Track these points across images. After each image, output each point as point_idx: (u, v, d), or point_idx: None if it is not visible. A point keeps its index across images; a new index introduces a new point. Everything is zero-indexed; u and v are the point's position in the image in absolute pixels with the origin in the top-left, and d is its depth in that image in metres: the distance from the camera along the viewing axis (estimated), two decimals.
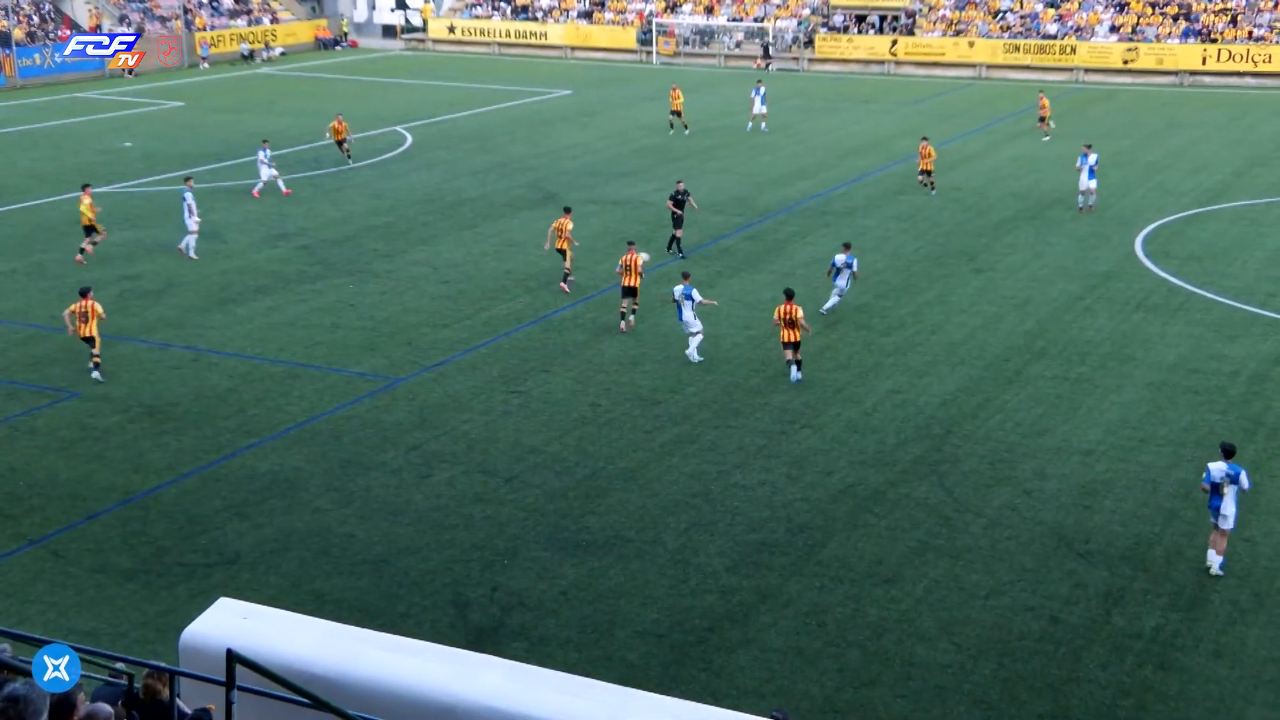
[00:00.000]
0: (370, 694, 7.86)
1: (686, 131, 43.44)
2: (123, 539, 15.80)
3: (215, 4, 65.45)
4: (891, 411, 19.90)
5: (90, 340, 21.08)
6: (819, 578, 14.94)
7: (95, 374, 21.12)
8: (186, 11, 62.57)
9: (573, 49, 66.29)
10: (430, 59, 66.12)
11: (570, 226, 26.53)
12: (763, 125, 44.74)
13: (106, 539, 15.78)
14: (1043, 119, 43.66)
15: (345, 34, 70.90)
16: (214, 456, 18.23)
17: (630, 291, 23.73)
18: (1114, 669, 13.11)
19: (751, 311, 24.88)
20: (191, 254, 28.47)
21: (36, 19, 56.69)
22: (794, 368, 21.19)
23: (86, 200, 27.64)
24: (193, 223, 28.35)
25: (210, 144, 41.64)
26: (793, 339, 21.13)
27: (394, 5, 74.10)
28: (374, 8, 74.86)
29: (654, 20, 65.15)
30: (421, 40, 70.22)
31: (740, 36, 64.61)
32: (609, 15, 67.17)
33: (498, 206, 33.80)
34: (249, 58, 63.44)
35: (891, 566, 15.16)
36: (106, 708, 6.93)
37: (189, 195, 28.48)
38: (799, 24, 63.79)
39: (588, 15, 67.45)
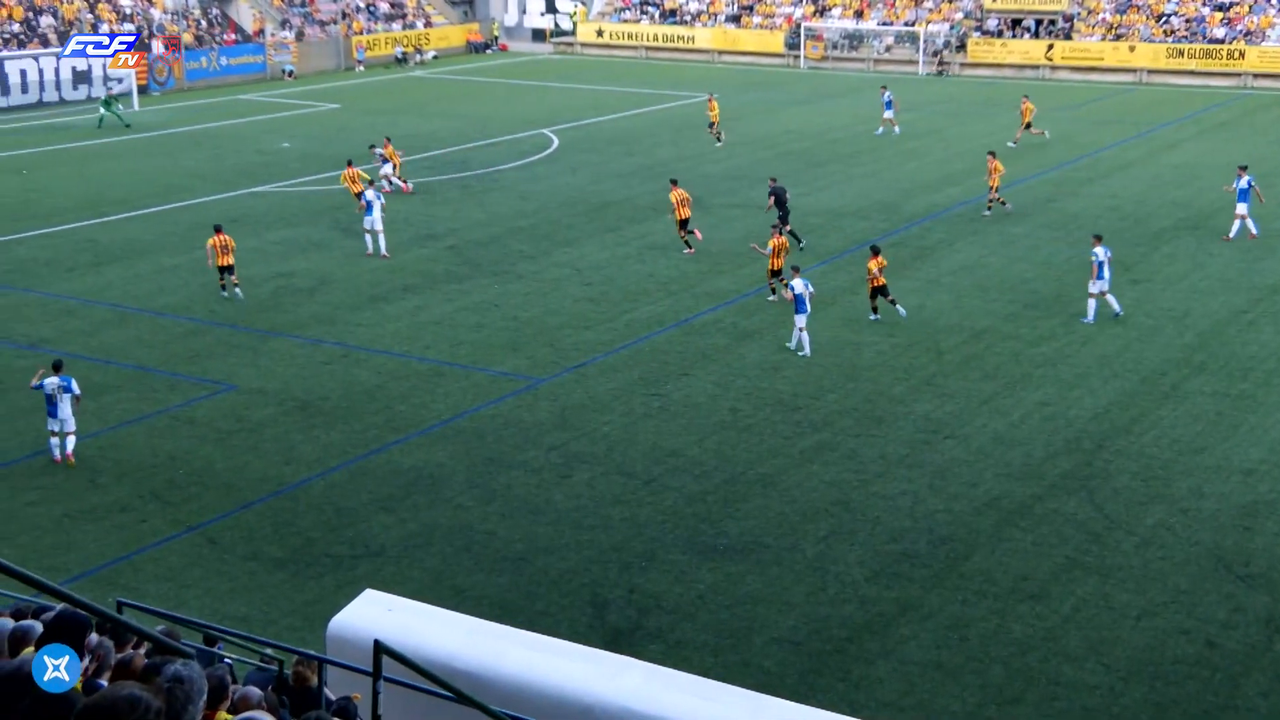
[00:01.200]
0: (511, 691, 7.95)
1: (718, 144, 42.42)
2: (274, 529, 16.31)
3: (372, 9, 67.19)
4: (1040, 424, 19.39)
5: (230, 268, 25.06)
6: (961, 591, 14.63)
7: (238, 292, 25.19)
8: (345, 16, 64.36)
9: (719, 53, 66.28)
10: (578, 62, 66.83)
11: (686, 195, 28.71)
12: (895, 129, 44.06)
13: (259, 528, 16.31)
14: (1027, 125, 41.83)
15: (496, 38, 72.10)
16: (361, 451, 18.69)
17: (777, 274, 25.27)
18: (1275, 698, 12.54)
19: (895, 319, 24.51)
20: (384, 251, 28.87)
21: (204, 23, 58.97)
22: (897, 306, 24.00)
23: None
24: (374, 221, 28.78)
25: (364, 146, 42.70)
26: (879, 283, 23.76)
27: (544, 9, 75.08)
28: (524, 12, 75.96)
29: (802, 24, 64.74)
30: (570, 44, 71.00)
31: (890, 41, 63.76)
32: (757, 20, 66.97)
33: (641, 209, 33.96)
34: (402, 61, 64.97)
35: (1038, 582, 14.76)
36: (257, 691, 7.15)
37: (369, 193, 29.06)
38: (951, 28, 62.68)
39: (735, 19, 67.37)
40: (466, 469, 18.06)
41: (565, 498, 17.13)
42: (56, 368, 18.14)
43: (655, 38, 68.02)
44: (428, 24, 68.95)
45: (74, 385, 17.92)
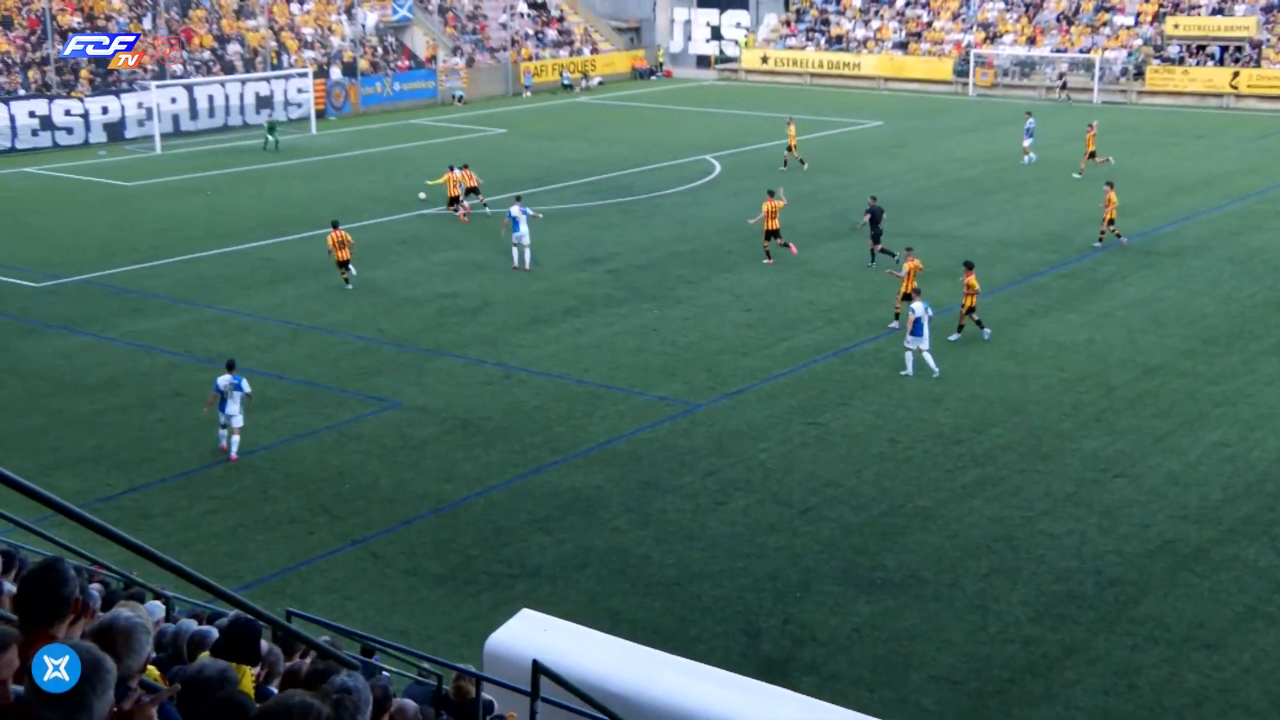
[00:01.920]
0: (666, 717, 7.94)
1: (805, 166, 42.48)
2: (434, 545, 16.66)
3: (540, 36, 68.56)
4: (1218, 465, 18.57)
5: (346, 263, 28.30)
6: (1131, 636, 14.07)
7: (349, 285, 28.10)
8: (514, 43, 65.81)
9: (886, 80, 65.63)
10: (742, 89, 66.96)
11: (781, 205, 30.33)
12: (1029, 158, 42.90)
13: (419, 544, 16.68)
14: (1091, 154, 40.28)
15: (660, 64, 72.77)
16: (520, 471, 18.97)
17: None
18: None
19: (1063, 353, 23.83)
20: (528, 265, 30.12)
21: (380, 50, 61.00)
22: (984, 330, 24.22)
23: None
24: (522, 236, 29.97)
25: (529, 169, 43.55)
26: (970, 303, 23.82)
27: (709, 36, 75.52)
28: (689, 39, 76.52)
29: (972, 51, 63.65)
30: (734, 70, 71.19)
31: (1064, 68, 62.19)
32: (924, 46, 66.09)
33: (802, 236, 33.73)
34: (569, 87, 66.05)
35: (1214, 631, 14.10)
36: (413, 704, 7.29)
37: (514, 211, 30.12)
38: (1129, 55, 60.80)
39: (903, 46, 66.62)
40: (623, 492, 18.16)
41: (720, 524, 17.09)
42: (230, 366, 19.54)
43: (820, 64, 67.72)
44: (594, 50, 70.00)
45: (244, 384, 19.22)
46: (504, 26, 66.25)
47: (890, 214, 36.16)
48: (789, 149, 43.49)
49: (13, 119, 46.36)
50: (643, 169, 43.69)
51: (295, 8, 59.74)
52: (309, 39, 58.57)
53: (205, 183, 41.80)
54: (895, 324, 25.37)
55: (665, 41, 75.04)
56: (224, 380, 19.22)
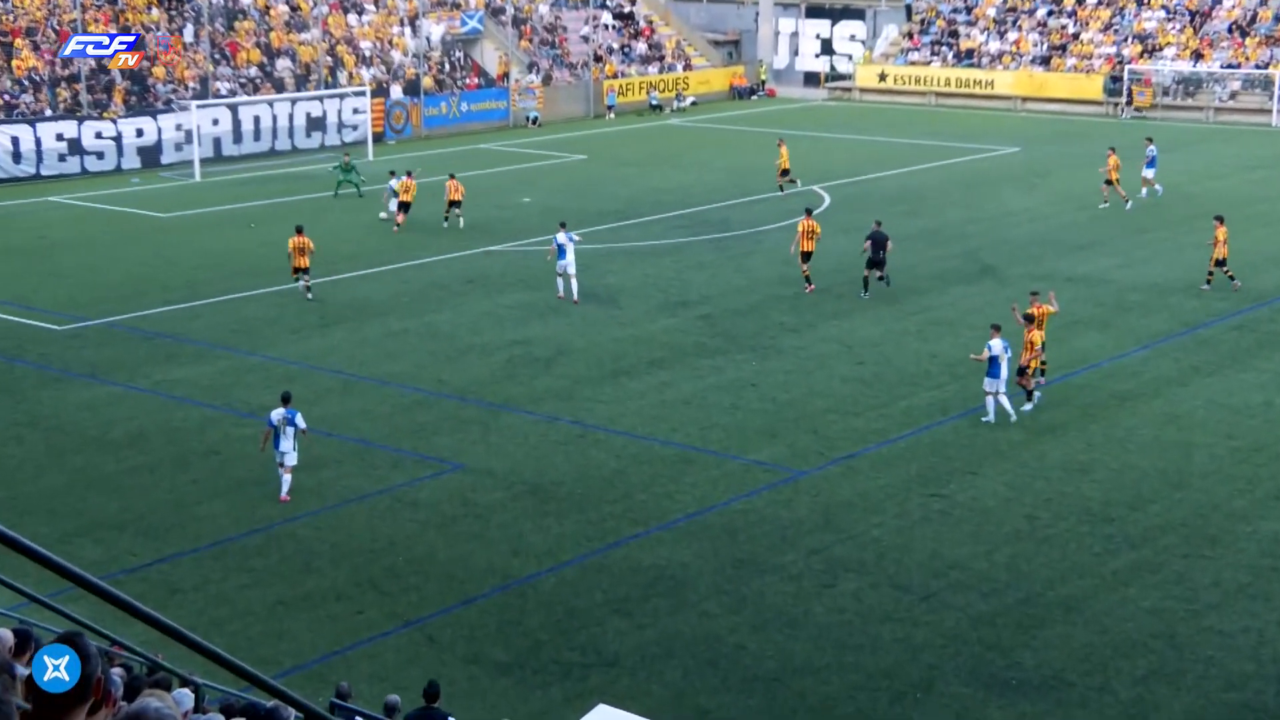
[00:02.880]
0: None
1: (799, 186, 43.69)
2: (498, 628, 16.70)
3: (627, 50, 69.31)
4: None
5: (306, 270, 31.11)
6: None
7: (309, 295, 31.21)
8: (596, 59, 66.60)
9: (1024, 99, 65.29)
10: (855, 110, 67.04)
11: (819, 229, 31.50)
12: (1151, 190, 42.36)
13: (482, 626, 16.73)
14: (1108, 182, 40.63)
15: (762, 82, 73.16)
16: (596, 545, 18.99)
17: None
18: None
19: (1234, 418, 23.34)
20: (575, 296, 31.35)
21: (446, 66, 62.11)
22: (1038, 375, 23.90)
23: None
24: (568, 265, 31.45)
25: (611, 200, 43.92)
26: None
27: (818, 50, 75.80)
28: (796, 53, 76.87)
29: (1127, 67, 63.07)
30: (847, 89, 71.34)
31: (1236, 86, 61.37)
32: (1070, 61, 65.66)
33: (924, 279, 33.55)
34: (657, 108, 66.60)
35: None
36: None
37: (560, 237, 31.58)
38: None
39: (1044, 61, 66.26)
40: (714, 571, 18.08)
41: (827, 611, 16.93)
42: (285, 400, 20.72)
43: (947, 82, 67.59)
44: (687, 66, 70.60)
45: (299, 419, 20.37)
46: (585, 40, 67.13)
47: (1030, 253, 35.89)
48: (781, 173, 44.59)
49: (39, 142, 47.86)
50: (740, 201, 43.81)
51: (353, 19, 61.12)
52: (367, 54, 59.84)
53: (249, 214, 42.74)
54: (1041, 383, 24.98)
55: (768, 56, 75.46)
56: (278, 414, 20.35)
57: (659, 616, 16.89)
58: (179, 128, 50.54)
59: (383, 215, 40.95)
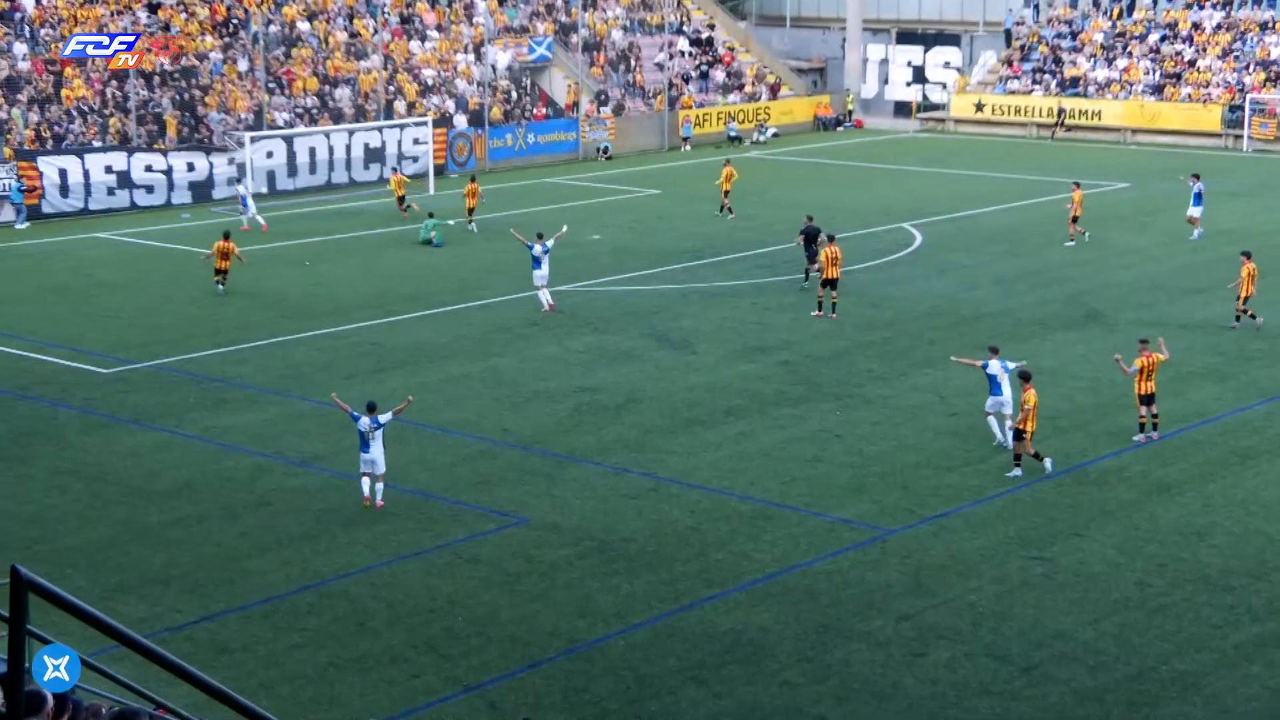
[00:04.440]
0: None
1: (731, 216, 46.50)
2: (563, 695, 16.69)
3: (704, 78, 69.66)
4: None
5: (225, 271, 36.29)
6: None
7: (221, 289, 36.37)
8: (672, 87, 67.00)
9: (1133, 131, 64.85)
10: (950, 142, 66.90)
11: (840, 254, 33.84)
12: (1196, 232, 42.22)
13: (546, 693, 16.74)
14: (1074, 219, 42.02)
15: (850, 112, 73.22)
16: (669, 606, 18.94)
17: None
18: None
19: None
20: (545, 305, 34.57)
21: (513, 95, 62.76)
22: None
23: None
24: (543, 277, 34.60)
25: (686, 239, 44.07)
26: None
27: (909, 79, 75.77)
28: (886, 82, 76.93)
29: (1248, 96, 62.43)
30: (941, 120, 71.24)
31: None
32: (1185, 90, 65.11)
33: (1025, 324, 33.32)
34: (736, 139, 66.80)
35: None
36: None
37: (537, 247, 34.63)
38: None
39: (1157, 90, 65.77)
40: (795, 636, 17.98)
41: (918, 682, 16.77)
42: (371, 409, 22.37)
43: (1050, 112, 67.26)
44: (772, 95, 70.79)
45: (383, 419, 22.21)
46: (660, 68, 67.61)
47: (1139, 297, 35.55)
48: (724, 194, 47.28)
49: (87, 175, 48.85)
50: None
51: (415, 45, 61.97)
52: (429, 82, 60.63)
53: (303, 252, 43.32)
54: (1141, 436, 24.78)
55: (856, 85, 75.55)
56: (365, 422, 22.07)
57: (736, 685, 16.79)
58: (231, 161, 51.37)
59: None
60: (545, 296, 34.83)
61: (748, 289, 37.32)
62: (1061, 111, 66.27)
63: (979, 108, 69.35)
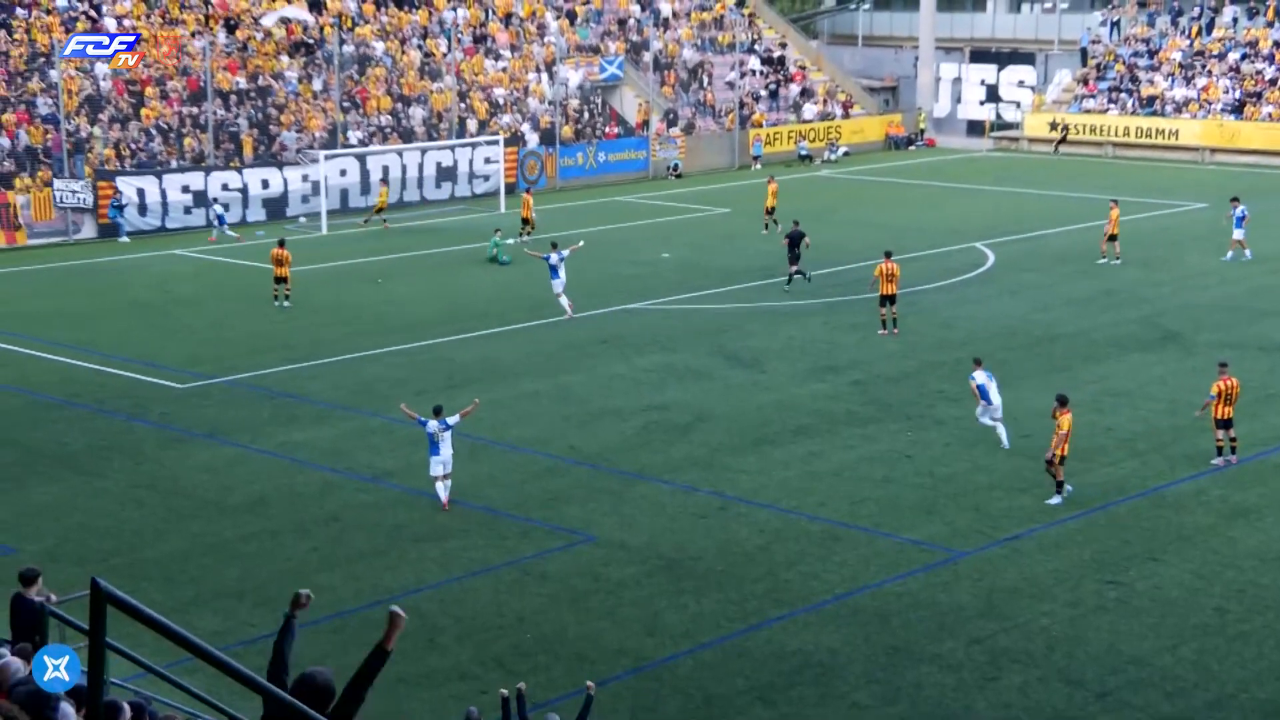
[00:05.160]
0: None
1: (765, 231, 46.81)
2: (631, 714, 16.67)
3: (774, 97, 69.60)
4: None
5: (284, 280, 37.33)
6: None
7: (286, 303, 37.30)
8: (743, 106, 66.99)
9: (1212, 151, 64.07)
10: (1023, 161, 66.41)
11: (899, 271, 34.18)
12: (1242, 254, 41.47)
13: (614, 712, 16.69)
14: (1111, 237, 41.86)
15: (921, 131, 72.87)
16: (737, 626, 18.88)
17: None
18: None
19: None
20: (568, 312, 35.70)
21: (584, 114, 63.00)
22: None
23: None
24: (558, 285, 35.67)
25: (756, 256, 43.99)
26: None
27: (983, 97, 75.29)
28: (959, 100, 76.49)
29: None
30: (1014, 139, 70.74)
31: None
32: (1266, 109, 64.22)
33: (1099, 345, 32.98)
34: (807, 158, 66.67)
35: None
36: None
37: (553, 256, 35.79)
38: None
39: (1237, 109, 64.92)
40: (865, 658, 17.86)
41: (990, 706, 16.61)
42: (437, 412, 23.17)
43: (1125, 131, 66.66)
44: (845, 114, 70.59)
45: (451, 421, 23.02)
46: (731, 86, 67.62)
47: (1218, 318, 35.08)
48: (767, 210, 47.87)
49: (164, 193, 49.55)
50: (897, 259, 43.52)
51: (489, 64, 62.36)
52: (501, 101, 60.99)
53: (375, 269, 43.66)
54: (1219, 460, 24.44)
55: (928, 104, 75.19)
56: (434, 425, 22.86)
57: (805, 706, 16.70)
58: (305, 179, 51.93)
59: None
60: (564, 302, 35.89)
61: (817, 308, 37.20)
62: (1065, 128, 67.41)
63: (1054, 126, 68.78)
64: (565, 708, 16.79)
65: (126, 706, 7.12)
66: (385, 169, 53.24)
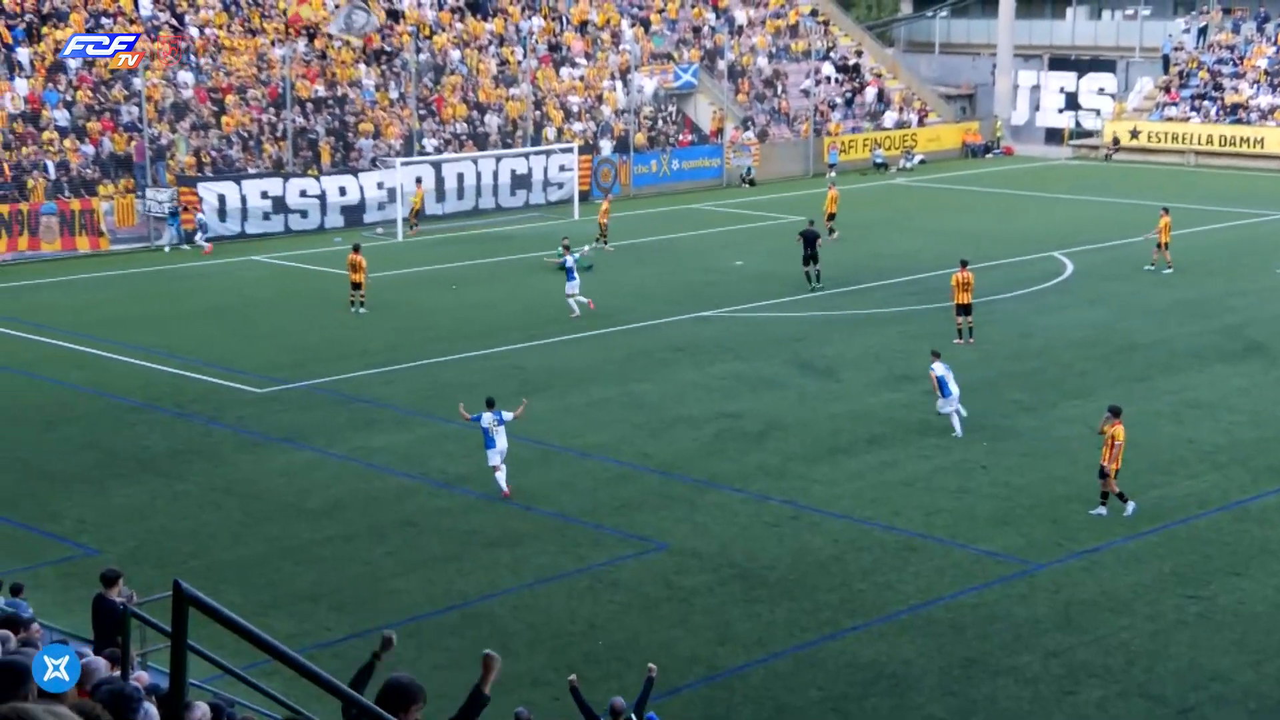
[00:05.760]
0: None
1: (833, 236, 46.43)
2: None
3: (850, 104, 69.31)
4: None
5: (359, 286, 37.70)
6: None
7: (361, 310, 37.59)
8: (818, 114, 66.77)
9: None
10: (1102, 169, 65.71)
11: (973, 280, 33.75)
12: None
13: None
14: (1162, 245, 41.45)
15: (999, 139, 72.28)
16: (811, 636, 18.81)
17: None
18: None
19: None
20: (576, 311, 36.69)
21: (658, 122, 63.06)
22: None
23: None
24: (574, 286, 36.96)
25: (830, 266, 43.70)
26: None
27: (1062, 105, 74.55)
28: (1037, 108, 75.75)
29: None
30: (1094, 147, 70.00)
31: None
32: None
33: (1180, 356, 32.56)
34: (882, 166, 66.33)
35: None
36: None
37: (569, 259, 37.40)
38: None
39: None
40: (939, 669, 17.74)
41: None
42: (490, 404, 24.26)
43: (1209, 140, 65.77)
44: (920, 122, 70.19)
45: (505, 415, 24.09)
46: (806, 94, 67.42)
47: None
48: (828, 217, 48.04)
49: (244, 200, 50.09)
50: (972, 268, 43.21)
51: (566, 72, 62.58)
52: (575, 109, 61.18)
53: (450, 275, 43.93)
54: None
55: (1006, 112, 74.55)
56: (488, 418, 23.95)
57: (878, 718, 16.62)
58: (381, 186, 52.33)
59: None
60: (573, 303, 37.09)
61: (893, 316, 36.99)
62: (1115, 139, 67.32)
63: (1134, 134, 67.99)
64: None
65: (206, 707, 7.21)
66: (419, 179, 53.19)
